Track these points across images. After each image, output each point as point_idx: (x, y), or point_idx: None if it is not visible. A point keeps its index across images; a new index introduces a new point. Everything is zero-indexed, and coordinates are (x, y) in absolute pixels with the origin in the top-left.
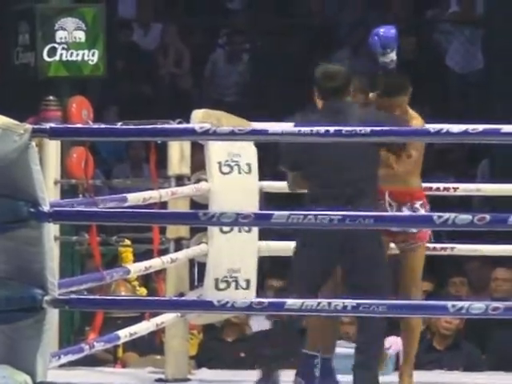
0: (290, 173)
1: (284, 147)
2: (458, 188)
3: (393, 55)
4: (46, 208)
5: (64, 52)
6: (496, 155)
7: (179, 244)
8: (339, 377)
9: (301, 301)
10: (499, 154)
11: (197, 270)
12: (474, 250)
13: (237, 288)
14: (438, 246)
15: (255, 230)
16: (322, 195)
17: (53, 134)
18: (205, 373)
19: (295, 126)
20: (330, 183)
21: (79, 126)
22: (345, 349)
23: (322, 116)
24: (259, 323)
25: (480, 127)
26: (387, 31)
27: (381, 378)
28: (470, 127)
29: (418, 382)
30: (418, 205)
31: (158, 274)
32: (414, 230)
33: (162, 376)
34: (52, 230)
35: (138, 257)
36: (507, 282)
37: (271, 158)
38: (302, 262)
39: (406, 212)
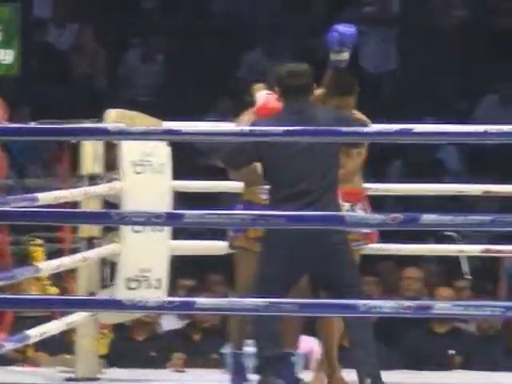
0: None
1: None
2: (369, 188)
3: (346, 55)
4: None
5: None
6: (408, 155)
7: (91, 243)
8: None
9: (212, 300)
10: (411, 153)
11: (109, 269)
12: (385, 250)
13: (148, 287)
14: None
15: (167, 229)
16: (285, 195)
17: None
18: (115, 372)
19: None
20: (293, 183)
21: None
22: (252, 348)
23: (284, 116)
24: (170, 322)
25: (393, 127)
26: (347, 29)
27: None
28: (384, 127)
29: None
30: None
31: (69, 274)
32: (368, 230)
33: (73, 375)
34: None
35: (51, 256)
36: (417, 282)
37: (185, 158)
38: (268, 265)
39: (359, 212)
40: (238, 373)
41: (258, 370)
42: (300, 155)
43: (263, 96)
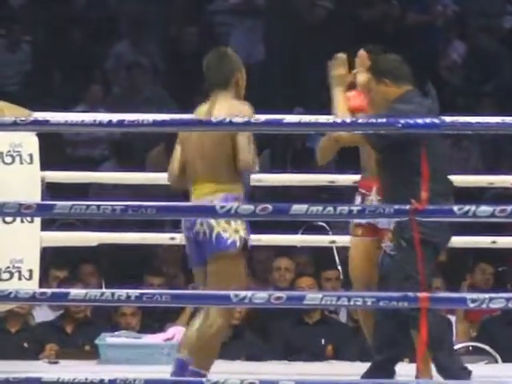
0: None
1: None
2: None
3: None
4: None
5: None
6: (277, 145)
7: None
8: (116, 367)
9: (84, 291)
10: (280, 144)
11: None
12: (256, 240)
13: (20, 278)
14: None
15: (38, 220)
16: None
17: None
18: None
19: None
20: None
21: None
22: (124, 339)
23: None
24: (43, 313)
25: (262, 117)
26: None
27: (164, 368)
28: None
29: None
30: None
31: None
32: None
33: None
34: None
35: None
36: (289, 272)
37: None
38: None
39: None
40: None
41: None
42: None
43: (355, 96)
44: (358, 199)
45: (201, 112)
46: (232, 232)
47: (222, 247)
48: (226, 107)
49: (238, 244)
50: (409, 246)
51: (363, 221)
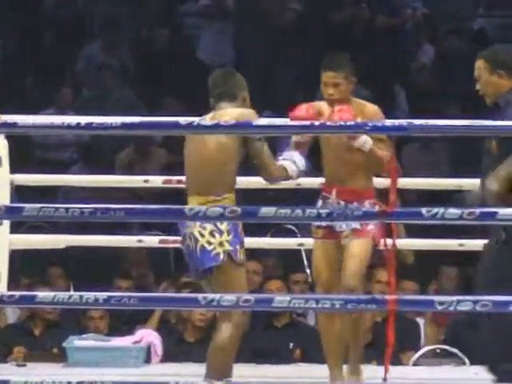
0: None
1: None
2: None
3: None
4: None
5: None
6: None
7: None
8: (84, 369)
9: (52, 294)
10: None
11: None
12: None
13: None
14: None
15: (6, 223)
16: None
17: None
18: None
19: None
20: None
21: None
22: (92, 342)
23: None
24: (15, 315)
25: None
26: None
27: (133, 371)
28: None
29: (167, 374)
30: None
31: None
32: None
33: None
34: None
35: None
36: (257, 275)
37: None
38: None
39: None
40: None
41: None
42: None
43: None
44: (320, 202)
45: (206, 120)
46: (217, 245)
47: (206, 261)
48: (232, 112)
49: (221, 257)
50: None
51: (323, 223)
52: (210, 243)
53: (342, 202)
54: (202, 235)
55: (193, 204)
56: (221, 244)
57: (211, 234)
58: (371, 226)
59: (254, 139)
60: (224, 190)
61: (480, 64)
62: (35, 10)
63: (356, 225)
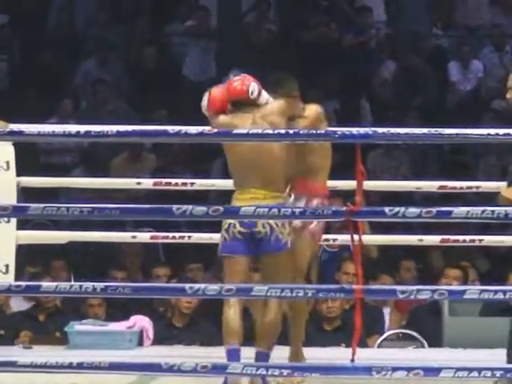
0: None
1: None
2: (194, 183)
3: None
4: None
5: None
6: None
7: None
8: (84, 352)
9: (55, 284)
10: None
11: None
12: (210, 238)
13: None
14: (177, 235)
15: (13, 220)
16: None
17: None
18: None
19: None
20: None
21: None
22: (91, 327)
23: None
24: (18, 304)
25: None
26: None
27: (127, 353)
28: (207, 128)
29: (158, 356)
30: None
31: None
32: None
33: None
34: None
35: None
36: None
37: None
38: None
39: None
40: None
41: None
42: None
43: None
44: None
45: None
46: (286, 235)
47: (278, 247)
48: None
49: (288, 245)
50: None
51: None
52: (282, 233)
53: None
54: (277, 225)
55: (244, 196)
56: (288, 234)
57: (283, 225)
58: (313, 225)
59: None
60: (282, 187)
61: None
62: (37, 28)
63: (298, 223)
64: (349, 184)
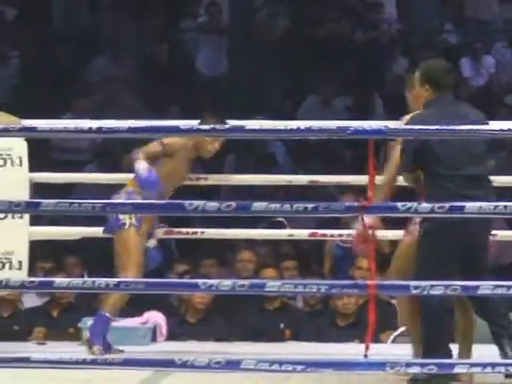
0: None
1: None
2: (207, 178)
3: None
4: None
5: None
6: (240, 149)
7: None
8: None
9: (68, 279)
10: (243, 148)
11: None
12: (220, 234)
13: (10, 268)
14: (190, 230)
15: (26, 216)
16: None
17: None
18: None
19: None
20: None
21: None
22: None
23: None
24: (31, 300)
25: (227, 124)
26: None
27: (141, 348)
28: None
29: (171, 352)
30: None
31: None
32: None
33: None
34: None
35: None
36: (251, 263)
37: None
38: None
39: None
40: None
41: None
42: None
43: None
44: None
45: None
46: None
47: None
48: None
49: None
50: None
51: None
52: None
53: None
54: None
55: None
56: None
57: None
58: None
59: None
60: None
61: None
62: (49, 23)
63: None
64: (361, 179)
